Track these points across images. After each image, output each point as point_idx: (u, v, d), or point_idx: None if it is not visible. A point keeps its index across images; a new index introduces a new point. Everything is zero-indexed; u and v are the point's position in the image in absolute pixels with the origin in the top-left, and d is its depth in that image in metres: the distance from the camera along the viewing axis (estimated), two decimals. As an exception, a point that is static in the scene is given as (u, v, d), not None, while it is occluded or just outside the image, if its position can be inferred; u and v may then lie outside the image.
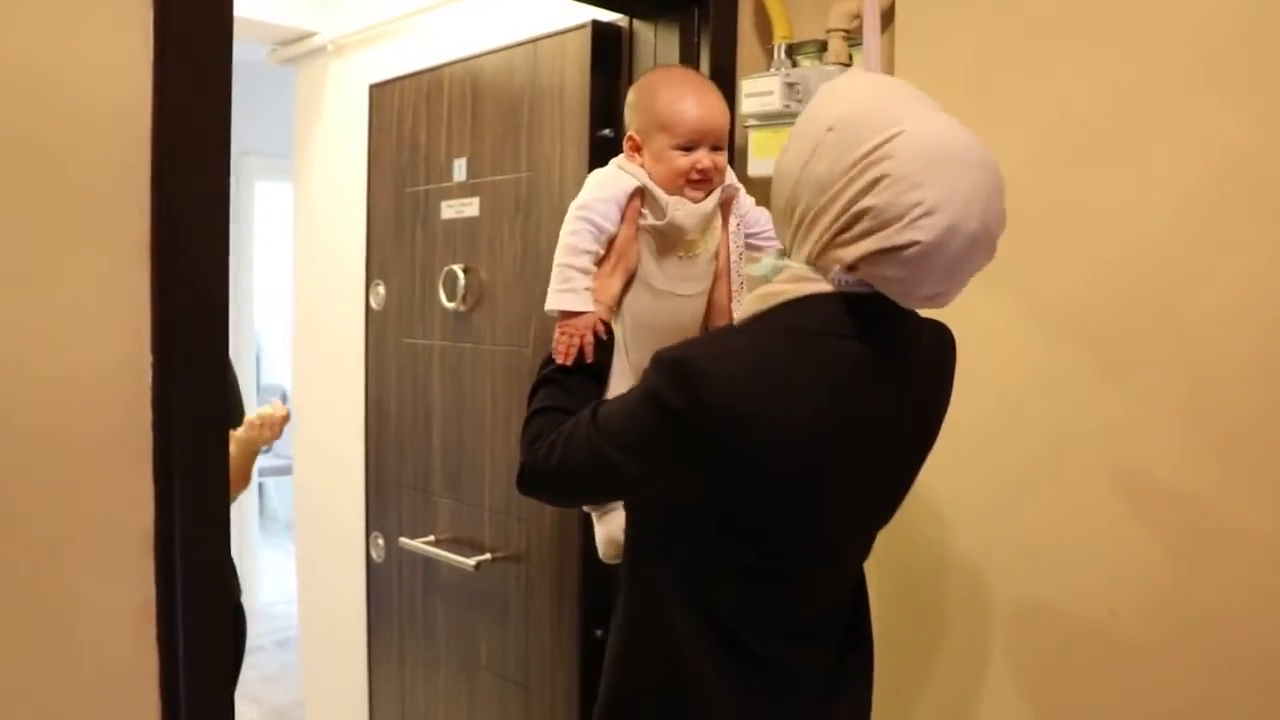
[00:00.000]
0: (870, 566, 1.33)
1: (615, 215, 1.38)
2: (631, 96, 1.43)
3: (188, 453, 1.24)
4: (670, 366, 1.10)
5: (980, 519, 1.66)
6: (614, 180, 1.39)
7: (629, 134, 1.42)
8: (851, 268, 1.07)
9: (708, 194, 1.41)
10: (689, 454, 1.10)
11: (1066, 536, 1.56)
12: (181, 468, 1.24)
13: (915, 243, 1.01)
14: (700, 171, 1.37)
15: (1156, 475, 1.48)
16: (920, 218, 1.00)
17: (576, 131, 2.02)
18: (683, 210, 1.39)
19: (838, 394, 1.10)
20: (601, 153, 2.01)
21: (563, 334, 1.35)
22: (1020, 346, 1.61)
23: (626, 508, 1.35)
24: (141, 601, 1.23)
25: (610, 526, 1.46)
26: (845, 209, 1.05)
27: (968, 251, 1.03)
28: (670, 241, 1.42)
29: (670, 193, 1.38)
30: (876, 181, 1.02)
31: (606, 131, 2.01)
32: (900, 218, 1.01)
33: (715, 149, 1.39)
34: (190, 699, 1.26)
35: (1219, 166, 1.42)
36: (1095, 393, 1.53)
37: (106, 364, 1.20)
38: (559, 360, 1.34)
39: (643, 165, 1.40)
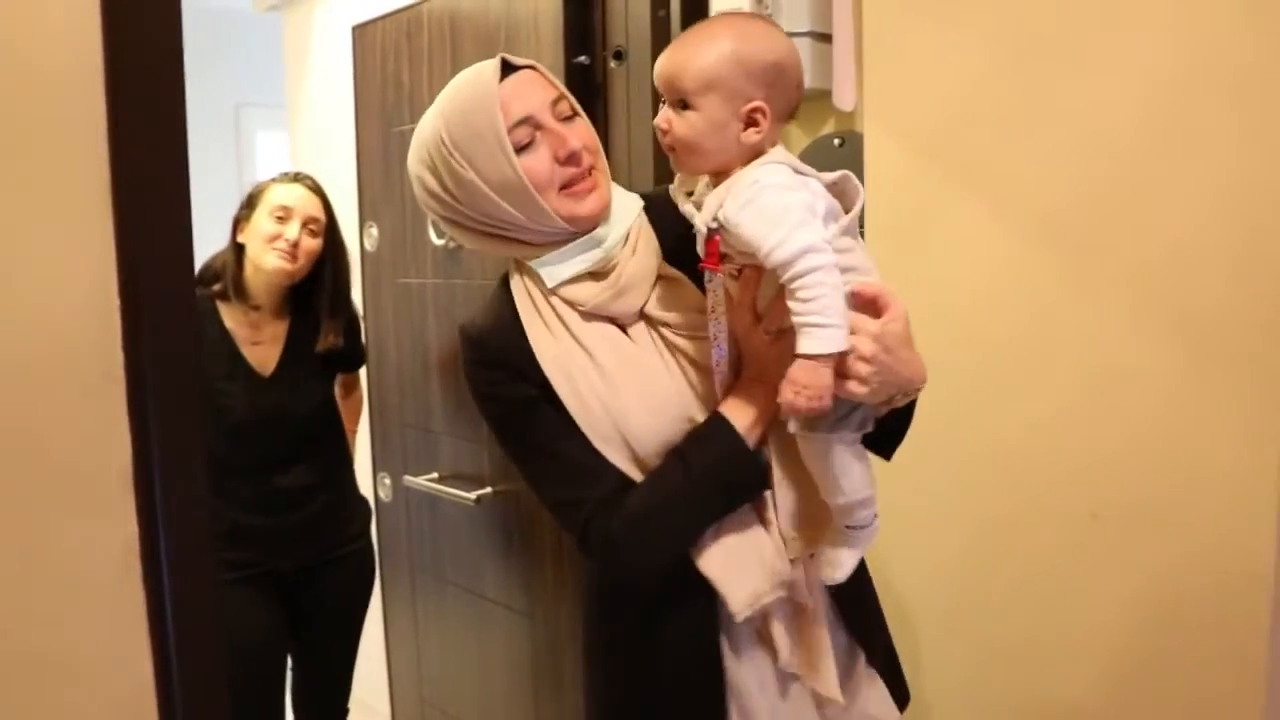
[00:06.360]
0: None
1: None
2: None
3: (160, 392, 1.26)
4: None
5: (954, 425, 1.64)
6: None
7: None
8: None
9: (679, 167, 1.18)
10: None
11: (1045, 441, 1.56)
12: (155, 407, 1.26)
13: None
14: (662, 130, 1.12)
15: (1134, 378, 1.46)
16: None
17: (552, 60, 1.99)
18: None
19: None
20: (578, 80, 1.99)
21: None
22: (993, 250, 1.59)
23: None
24: (125, 540, 1.26)
25: None
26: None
27: None
28: None
29: None
30: None
31: (582, 58, 1.98)
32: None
33: (683, 105, 1.09)
34: (180, 637, 1.29)
35: (1191, 59, 1.38)
36: (1070, 295, 1.51)
37: (74, 310, 1.21)
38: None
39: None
